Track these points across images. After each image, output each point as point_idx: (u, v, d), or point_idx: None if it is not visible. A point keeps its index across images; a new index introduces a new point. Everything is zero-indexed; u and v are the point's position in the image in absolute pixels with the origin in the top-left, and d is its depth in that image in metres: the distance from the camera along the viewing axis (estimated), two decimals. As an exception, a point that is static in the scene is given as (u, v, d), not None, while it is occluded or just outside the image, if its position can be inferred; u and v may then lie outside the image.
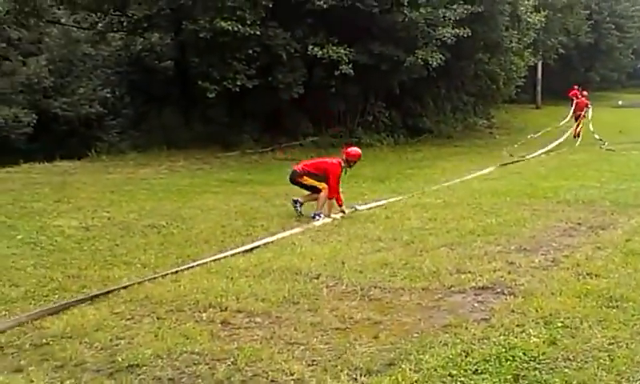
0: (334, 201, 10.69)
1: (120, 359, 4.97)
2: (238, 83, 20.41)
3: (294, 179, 10.92)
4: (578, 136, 25.20)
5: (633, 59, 64.24)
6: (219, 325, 5.71)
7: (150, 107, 23.36)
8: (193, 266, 7.59)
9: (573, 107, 27.35)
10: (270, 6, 20.46)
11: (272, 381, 4.64)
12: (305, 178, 10.77)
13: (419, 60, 22.09)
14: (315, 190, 10.75)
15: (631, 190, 12.39)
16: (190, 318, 5.89)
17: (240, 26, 19.66)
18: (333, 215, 10.61)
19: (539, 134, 26.20)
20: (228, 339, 5.39)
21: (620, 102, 47.89)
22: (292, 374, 4.69)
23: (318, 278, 7.01)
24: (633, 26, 59.03)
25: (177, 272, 7.34)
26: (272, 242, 8.92)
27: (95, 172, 16.95)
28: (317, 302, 6.27)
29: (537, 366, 4.72)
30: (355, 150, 11.26)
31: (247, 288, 6.67)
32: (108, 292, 6.61)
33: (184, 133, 22.16)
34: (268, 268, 7.40)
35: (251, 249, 8.50)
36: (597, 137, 23.07)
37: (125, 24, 23.42)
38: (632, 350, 4.94)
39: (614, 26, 54.56)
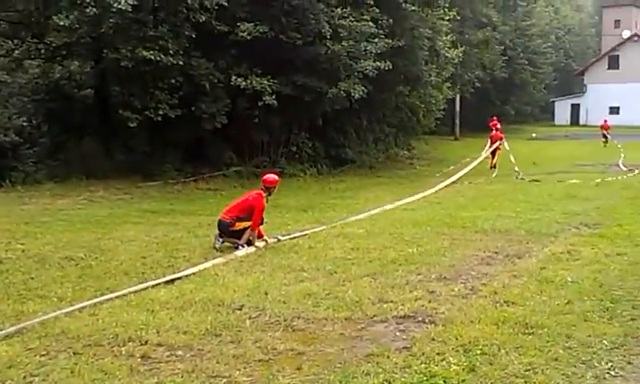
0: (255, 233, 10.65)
1: (34, 397, 4.79)
2: (160, 113, 20.16)
3: (227, 231, 10.59)
4: (494, 167, 25.97)
5: (545, 93, 67.01)
6: (139, 359, 5.58)
7: (68, 136, 22.72)
8: (112, 299, 7.39)
9: (489, 140, 28.15)
10: (193, 36, 20.39)
11: (193, 415, 4.56)
12: (237, 224, 10.61)
13: (342, 92, 22.38)
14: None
15: (545, 219, 12.83)
16: (109, 352, 5.73)
17: (162, 56, 19.49)
18: (257, 244, 10.55)
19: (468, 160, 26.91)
20: (148, 374, 5.27)
21: (534, 135, 49.75)
22: (214, 408, 4.62)
23: (240, 309, 6.96)
24: (545, 62, 61.69)
25: (95, 305, 7.14)
26: (194, 273, 8.78)
27: (10, 203, 16.34)
28: (239, 333, 6.22)
29: (457, 393, 4.80)
30: (271, 176, 11.26)
31: (168, 320, 6.55)
32: (22, 327, 6.36)
33: (104, 163, 21.66)
34: (190, 300, 7.30)
35: (173, 280, 8.35)
36: (516, 169, 23.83)
37: (43, 51, 22.85)
38: (547, 375, 5.09)
39: (527, 62, 56.89)
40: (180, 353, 5.75)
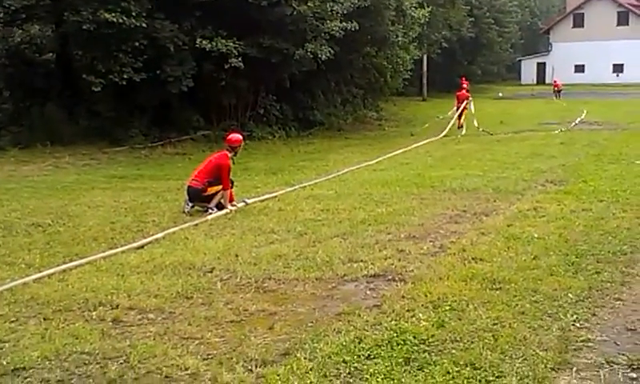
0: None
1: (5, 363, 4.77)
2: (125, 76, 19.86)
3: (199, 196, 10.51)
4: (462, 127, 26.10)
5: (511, 53, 67.36)
6: (110, 323, 5.58)
7: (31, 102, 22.29)
8: (81, 265, 7.35)
9: (456, 99, 28.18)
10: (156, -3, 20.06)
11: (166, 377, 4.58)
12: (209, 189, 10.53)
13: (309, 53, 22.23)
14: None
15: (511, 177, 12.98)
16: (80, 317, 5.72)
17: (125, 18, 19.13)
18: (230, 207, 10.53)
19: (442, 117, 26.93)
20: (120, 337, 5.27)
21: (500, 94, 50.13)
22: (186, 369, 4.65)
23: (211, 272, 6.97)
24: (511, 20, 61.96)
25: (64, 271, 7.10)
26: (164, 237, 8.77)
27: (-27, 170, 16.09)
28: (211, 295, 6.24)
29: (426, 348, 4.89)
30: (236, 135, 11.19)
31: (139, 285, 6.54)
32: (-10, 295, 6.30)
33: (69, 128, 21.31)
34: (160, 264, 7.29)
35: (142, 245, 8.33)
36: (475, 124, 24.09)
37: (1, 15, 22.28)
38: (514, 329, 5.20)
39: (493, 21, 57.04)
40: (151, 316, 5.75)
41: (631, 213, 9.38)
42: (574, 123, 26.07)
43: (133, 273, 7.00)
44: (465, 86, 29.57)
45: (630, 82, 57.81)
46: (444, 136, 23.72)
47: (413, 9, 29.96)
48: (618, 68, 64.93)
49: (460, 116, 26.62)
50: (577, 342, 4.99)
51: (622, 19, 67.19)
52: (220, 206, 10.51)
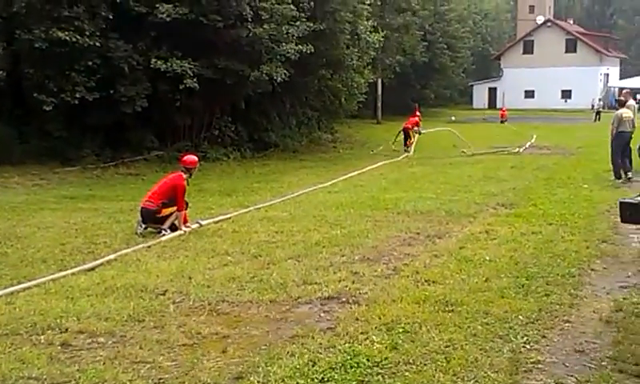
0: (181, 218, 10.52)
1: (-52, 390, 4.63)
2: (77, 96, 19.61)
3: (152, 218, 10.40)
4: (408, 148, 26.68)
5: (464, 77, 68.49)
6: (59, 347, 5.46)
7: (-21, 121, 21.86)
8: (29, 287, 7.19)
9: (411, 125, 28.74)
10: (111, 17, 19.90)
11: (117, 402, 4.50)
12: (163, 210, 10.43)
13: (264, 75, 22.30)
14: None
15: (464, 200, 13.16)
16: (27, 341, 5.58)
17: (78, 37, 18.95)
18: (184, 228, 10.44)
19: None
20: (69, 361, 5.17)
21: (453, 118, 50.83)
22: (138, 394, 4.58)
23: (164, 295, 6.89)
24: (463, 46, 63.02)
25: (12, 294, 6.93)
26: (115, 259, 8.63)
27: None
28: (163, 318, 6.16)
29: (380, 371, 4.91)
30: (191, 157, 11.15)
31: (89, 307, 6.42)
32: None
33: (19, 148, 20.88)
34: (111, 286, 7.17)
35: (93, 267, 8.19)
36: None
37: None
38: (466, 351, 5.25)
39: (446, 47, 57.94)
40: (102, 340, 5.65)
41: (579, 236, 9.59)
42: (524, 147, 26.61)
43: (83, 295, 6.87)
44: (418, 114, 30.33)
45: (578, 108, 59.26)
46: (406, 156, 24.23)
47: (367, 33, 30.31)
48: (567, 94, 66.53)
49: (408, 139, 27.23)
50: (527, 363, 5.06)
51: (570, 46, 69.01)
52: (173, 228, 10.41)
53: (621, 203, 2.05)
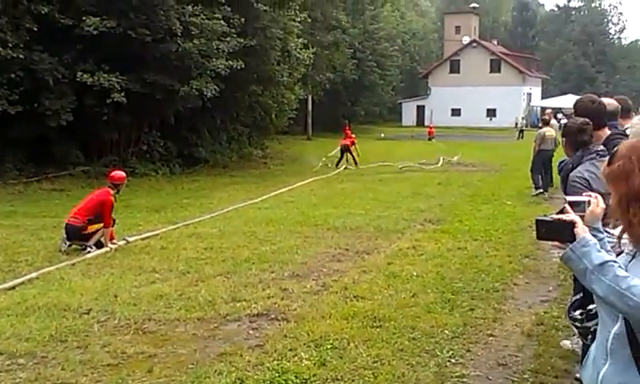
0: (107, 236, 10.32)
1: None
2: (-1, 109, 19.03)
3: (78, 235, 10.18)
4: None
5: (393, 95, 69.63)
6: (-24, 370, 5.27)
7: None
8: (-55, 308, 6.91)
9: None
10: (35, 29, 19.40)
11: (37, 425, 4.36)
12: (89, 227, 10.21)
13: (194, 90, 22.11)
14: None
15: (392, 216, 13.34)
16: (-59, 364, 5.36)
17: (1, 49, 18.40)
18: (110, 245, 10.22)
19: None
20: (-14, 385, 4.99)
21: (382, 135, 51.51)
22: (59, 417, 4.45)
23: (88, 314, 6.73)
24: (392, 64, 64.12)
25: None
26: (37, 277, 8.39)
27: None
28: (87, 338, 6.02)
29: (308, 387, 4.91)
30: (119, 173, 11.01)
31: (9, 328, 6.22)
32: None
33: None
34: (33, 305, 6.96)
35: (14, 286, 7.93)
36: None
37: None
38: (393, 366, 5.32)
39: (375, 64, 58.81)
40: (22, 361, 5.48)
41: (503, 251, 9.86)
42: (450, 164, 27.27)
43: (2, 315, 6.66)
44: (348, 133, 30.69)
45: (502, 126, 60.86)
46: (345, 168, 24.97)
47: (298, 50, 30.50)
48: (492, 112, 68.32)
49: (342, 155, 27.49)
50: (452, 377, 5.16)
51: (495, 67, 71.05)
52: (99, 245, 10.20)
53: (536, 221, 2.13)
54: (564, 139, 4.95)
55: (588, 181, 4.30)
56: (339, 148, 28.49)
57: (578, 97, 5.36)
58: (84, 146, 22.70)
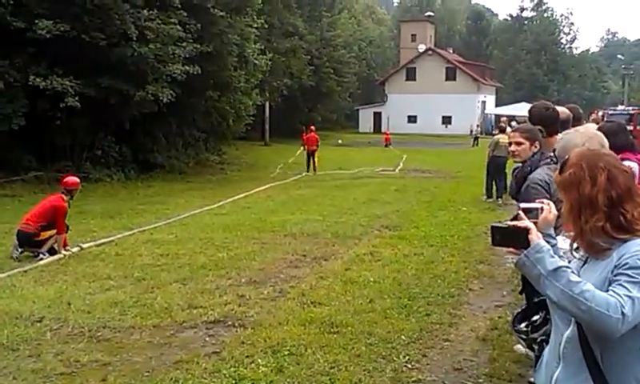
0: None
1: None
2: (-53, 113, 18.59)
3: (30, 241, 10.01)
4: (314, 169, 27.20)
5: (350, 102, 70.02)
6: None
7: None
8: None
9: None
10: (-14, 31, 19.03)
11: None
12: (42, 234, 10.03)
13: (149, 95, 21.91)
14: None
15: (349, 222, 13.39)
16: None
17: (-50, 51, 18.01)
18: (64, 252, 10.06)
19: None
20: None
21: (339, 141, 51.72)
22: (11, 427, 4.36)
23: (40, 322, 6.61)
24: (349, 71, 64.50)
25: None
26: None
27: None
28: (39, 346, 5.91)
29: (265, 394, 4.90)
30: (73, 178, 10.88)
31: (-42, 337, 6.07)
32: None
33: None
34: (-17, 314, 6.80)
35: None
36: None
37: None
38: (350, 372, 5.34)
39: (332, 71, 59.11)
40: (-28, 371, 5.35)
41: (458, 257, 9.97)
42: (398, 168, 28.32)
43: (-49, 324, 6.48)
44: (313, 129, 30.86)
45: (457, 133, 61.64)
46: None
47: (255, 56, 30.48)
48: (447, 120, 69.20)
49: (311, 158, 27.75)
50: (408, 382, 5.21)
51: (450, 75, 72.01)
52: (52, 251, 10.03)
53: (492, 227, 2.15)
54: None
55: (549, 184, 4.37)
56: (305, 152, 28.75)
57: (530, 105, 5.47)
58: (37, 151, 22.29)
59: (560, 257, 2.35)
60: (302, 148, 29.15)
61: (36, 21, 19.56)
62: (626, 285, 2.19)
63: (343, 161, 32.95)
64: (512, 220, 2.42)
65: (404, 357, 5.72)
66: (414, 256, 9.98)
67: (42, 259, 9.74)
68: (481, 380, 5.34)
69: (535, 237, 2.30)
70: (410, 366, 5.55)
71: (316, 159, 28.06)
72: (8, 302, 7.34)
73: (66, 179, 10.81)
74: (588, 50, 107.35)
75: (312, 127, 32.22)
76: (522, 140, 4.83)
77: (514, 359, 5.68)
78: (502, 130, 17.91)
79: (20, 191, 19.63)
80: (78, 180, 10.93)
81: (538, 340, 3.07)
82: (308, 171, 27.38)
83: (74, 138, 22.91)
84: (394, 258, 9.85)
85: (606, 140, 4.08)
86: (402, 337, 6.20)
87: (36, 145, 22.17)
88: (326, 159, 31.03)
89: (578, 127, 4.84)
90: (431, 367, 5.57)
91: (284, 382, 5.12)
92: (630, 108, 43.32)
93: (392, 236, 11.86)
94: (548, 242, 2.34)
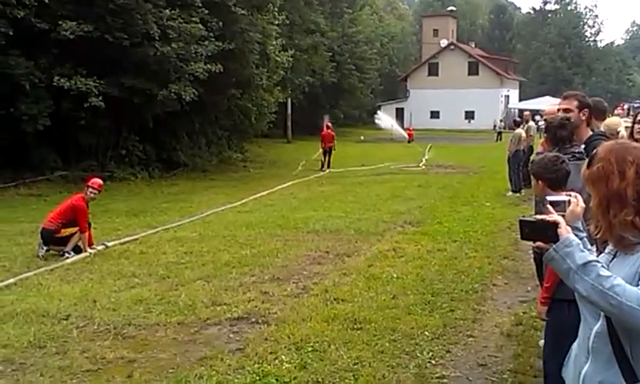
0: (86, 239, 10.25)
1: None
2: (-26, 114, 18.84)
3: (52, 238, 10.14)
4: (328, 166, 27.07)
5: (372, 98, 69.76)
6: (-47, 377, 5.21)
7: None
8: None
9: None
10: (11, 33, 19.21)
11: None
12: (62, 231, 10.15)
13: (172, 94, 22.02)
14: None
15: (372, 219, 13.37)
16: None
17: (-24, 53, 18.24)
18: (89, 250, 10.16)
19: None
20: (-36, 392, 4.94)
21: (362, 138, 51.58)
22: (38, 423, 4.42)
23: (67, 319, 6.68)
24: (371, 67, 64.24)
25: None
26: (15, 283, 8.31)
27: None
28: (66, 344, 5.97)
29: (289, 390, 4.91)
30: (97, 180, 10.97)
31: (-14, 335, 6.15)
32: None
33: None
34: (11, 312, 6.90)
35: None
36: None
37: None
38: (374, 368, 5.33)
39: (354, 68, 58.87)
40: (0, 368, 5.42)
41: (482, 252, 9.92)
42: (421, 164, 28.48)
43: (-20, 322, 6.58)
44: (329, 125, 30.76)
45: (480, 129, 61.20)
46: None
47: (276, 53, 30.50)
48: (470, 115, 68.71)
49: (325, 156, 27.60)
50: (432, 378, 5.19)
51: (473, 69, 71.50)
52: (78, 250, 10.13)
53: (520, 221, 2.15)
54: (545, 135, 4.99)
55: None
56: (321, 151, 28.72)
57: (555, 99, 5.41)
58: (62, 151, 22.53)
59: (589, 250, 2.33)
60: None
61: (60, 22, 19.75)
62: None
63: (366, 157, 32.88)
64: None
65: (428, 353, 5.70)
66: (437, 252, 9.95)
67: (67, 258, 9.85)
68: (505, 376, 5.31)
69: (564, 231, 2.28)
70: (433, 362, 5.54)
71: (331, 157, 27.99)
72: (35, 300, 7.42)
73: (94, 181, 10.88)
74: (613, 43, 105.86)
75: (328, 124, 32.13)
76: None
77: (539, 354, 5.62)
78: (518, 125, 17.86)
79: (46, 191, 19.85)
80: (100, 181, 11.02)
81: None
82: (323, 168, 27.31)
83: (98, 138, 23.12)
84: (417, 253, 9.83)
85: None
86: (426, 333, 6.18)
87: (61, 145, 22.40)
88: (349, 156, 31.01)
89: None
90: (455, 363, 5.55)
91: (308, 378, 5.13)
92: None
93: (415, 232, 11.83)
94: (577, 236, 2.32)
